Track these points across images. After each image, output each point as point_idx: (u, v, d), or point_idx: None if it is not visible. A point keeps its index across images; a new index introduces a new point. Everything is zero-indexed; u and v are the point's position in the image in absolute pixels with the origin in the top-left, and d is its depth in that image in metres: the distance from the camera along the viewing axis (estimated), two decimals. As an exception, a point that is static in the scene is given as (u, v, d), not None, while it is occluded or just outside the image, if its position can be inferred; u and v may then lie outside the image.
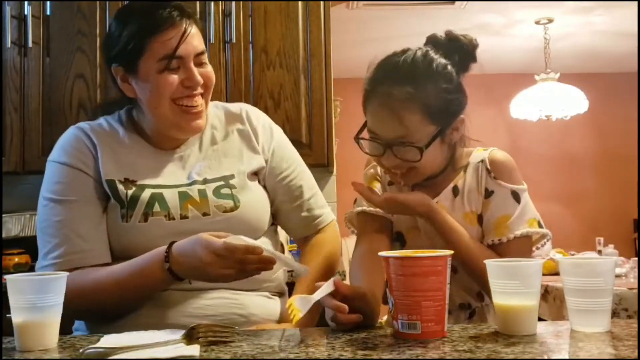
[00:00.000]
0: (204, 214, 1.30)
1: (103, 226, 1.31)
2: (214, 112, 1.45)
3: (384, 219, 1.40)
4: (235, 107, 1.48)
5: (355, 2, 4.28)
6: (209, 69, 1.34)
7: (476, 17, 4.66)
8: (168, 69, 1.28)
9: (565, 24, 4.84)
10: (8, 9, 2.63)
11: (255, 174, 1.42)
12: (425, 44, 1.33)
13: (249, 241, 1.14)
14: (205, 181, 1.34)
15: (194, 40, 1.30)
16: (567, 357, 0.90)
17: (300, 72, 2.71)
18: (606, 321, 1.00)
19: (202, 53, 1.32)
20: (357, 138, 1.31)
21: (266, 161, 1.43)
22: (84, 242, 1.29)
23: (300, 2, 2.72)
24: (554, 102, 4.78)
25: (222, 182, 1.35)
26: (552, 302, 2.97)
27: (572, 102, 4.81)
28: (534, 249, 1.35)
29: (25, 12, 2.65)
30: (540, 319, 1.05)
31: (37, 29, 2.66)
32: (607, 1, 4.39)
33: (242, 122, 1.44)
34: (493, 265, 1.03)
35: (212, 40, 2.67)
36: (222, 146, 1.41)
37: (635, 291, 2.67)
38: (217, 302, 1.29)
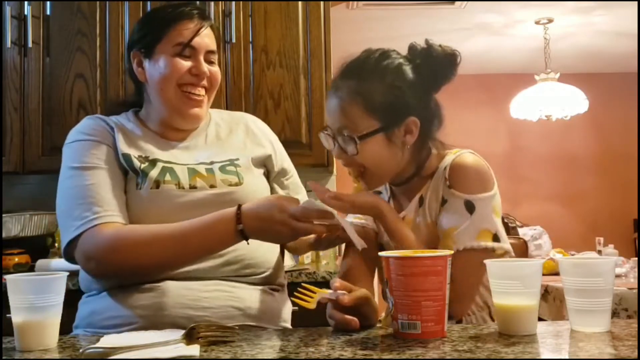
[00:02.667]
0: (211, 186, 1.37)
1: (124, 195, 1.36)
2: (218, 114, 1.57)
3: (369, 230, 1.43)
4: (238, 113, 1.63)
5: (355, 2, 4.28)
6: (216, 69, 1.46)
7: (476, 17, 4.66)
8: (180, 55, 1.40)
9: (565, 24, 4.84)
10: (8, 9, 2.63)
11: (262, 165, 1.51)
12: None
13: (322, 206, 1.22)
14: (212, 162, 1.43)
15: (208, 38, 1.44)
16: (567, 357, 0.90)
17: (300, 72, 2.71)
18: (606, 321, 1.01)
19: (213, 52, 1.45)
20: (320, 133, 1.35)
21: (272, 156, 1.52)
22: (115, 202, 1.32)
23: (300, 2, 2.72)
24: (554, 102, 4.78)
25: (227, 162, 1.43)
26: (552, 302, 2.97)
27: (572, 102, 4.81)
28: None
29: (25, 12, 2.66)
30: (540, 319, 1.05)
31: (37, 29, 2.67)
32: (607, 1, 4.39)
33: (247, 123, 1.55)
34: (493, 265, 1.03)
35: (212, 40, 2.67)
36: (227, 140, 1.50)
37: (635, 291, 2.67)
38: (214, 294, 1.30)
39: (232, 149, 1.47)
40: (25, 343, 1.00)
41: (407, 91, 1.27)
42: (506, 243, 1.27)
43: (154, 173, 1.35)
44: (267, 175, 1.52)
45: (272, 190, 1.52)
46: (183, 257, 1.28)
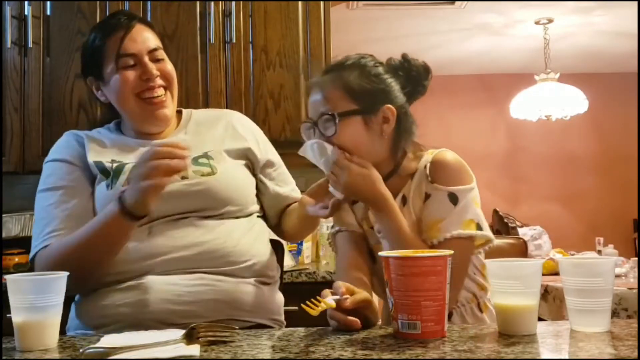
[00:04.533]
0: (183, 177, 1.37)
1: (89, 205, 1.39)
2: (201, 113, 1.60)
3: (358, 234, 1.44)
4: (223, 110, 1.66)
5: (355, 2, 4.28)
6: (168, 65, 1.47)
7: (476, 17, 4.66)
8: (124, 67, 1.42)
9: (565, 24, 4.84)
10: (8, 9, 2.63)
11: (242, 157, 1.52)
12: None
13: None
14: None
15: (145, 38, 1.45)
16: (567, 357, 0.90)
17: (300, 72, 2.70)
18: (606, 321, 1.01)
19: (155, 50, 1.45)
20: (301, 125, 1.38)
21: (253, 148, 1.53)
22: (68, 216, 1.37)
23: (300, 2, 2.72)
24: (554, 102, 4.78)
25: (201, 155, 1.44)
26: (552, 302, 2.97)
27: (572, 102, 4.81)
28: (479, 251, 1.34)
29: (25, 12, 2.65)
30: (540, 319, 1.05)
31: (37, 29, 2.66)
32: (607, 1, 4.39)
33: (228, 119, 1.57)
34: (493, 265, 1.03)
35: (212, 40, 2.67)
36: (205, 135, 1.52)
37: (635, 291, 2.67)
38: (198, 289, 1.31)
39: (208, 143, 1.49)
40: (25, 343, 1.00)
41: (385, 82, 1.33)
42: (488, 231, 1.32)
43: (124, 172, 1.37)
44: (252, 167, 1.54)
45: (259, 182, 1.54)
46: (92, 256, 1.29)
